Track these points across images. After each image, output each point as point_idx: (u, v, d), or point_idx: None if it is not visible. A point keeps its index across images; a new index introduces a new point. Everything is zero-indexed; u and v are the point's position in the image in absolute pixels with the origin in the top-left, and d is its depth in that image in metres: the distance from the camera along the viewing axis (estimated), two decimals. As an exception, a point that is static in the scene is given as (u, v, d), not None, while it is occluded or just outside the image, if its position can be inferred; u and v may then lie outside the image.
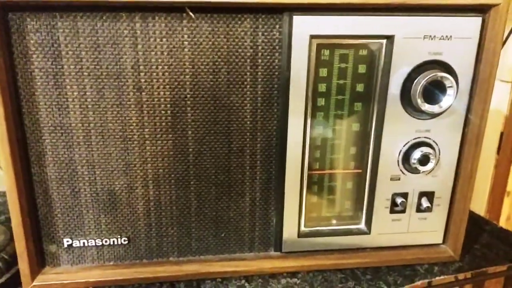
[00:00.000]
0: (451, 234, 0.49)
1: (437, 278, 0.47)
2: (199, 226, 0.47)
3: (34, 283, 0.44)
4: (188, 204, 0.46)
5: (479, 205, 1.02)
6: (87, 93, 0.41)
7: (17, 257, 0.43)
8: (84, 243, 0.45)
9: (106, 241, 0.46)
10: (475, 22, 0.42)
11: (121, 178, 0.44)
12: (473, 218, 0.57)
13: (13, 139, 0.40)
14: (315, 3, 0.39)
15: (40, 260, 0.45)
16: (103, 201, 0.44)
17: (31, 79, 0.40)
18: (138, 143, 0.43)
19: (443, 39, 0.42)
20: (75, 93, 0.41)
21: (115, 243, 0.46)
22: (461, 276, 0.48)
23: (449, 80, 0.41)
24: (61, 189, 0.43)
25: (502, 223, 1.02)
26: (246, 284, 0.46)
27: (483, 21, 0.42)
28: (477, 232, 0.56)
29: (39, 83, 0.40)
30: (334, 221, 0.49)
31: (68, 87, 0.40)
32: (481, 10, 0.42)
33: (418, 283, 0.46)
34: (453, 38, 0.42)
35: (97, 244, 0.46)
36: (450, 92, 0.42)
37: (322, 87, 0.44)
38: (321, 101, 0.44)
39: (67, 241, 0.45)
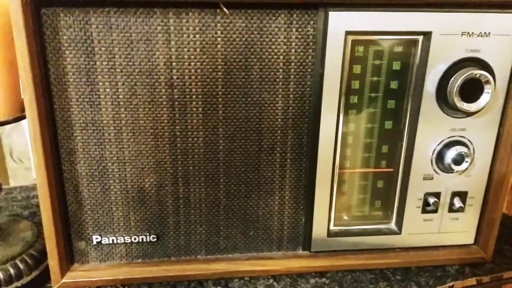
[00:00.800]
0: (483, 235, 0.48)
1: (468, 279, 0.46)
2: (228, 224, 0.46)
3: (63, 280, 0.44)
4: (217, 202, 0.45)
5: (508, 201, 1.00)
6: (119, 90, 0.40)
7: (47, 254, 0.43)
8: (113, 240, 0.45)
9: (135, 239, 0.45)
10: (515, 18, 0.41)
11: (151, 175, 0.43)
12: (505, 219, 0.56)
13: (45, 136, 0.40)
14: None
15: (69, 257, 0.45)
16: (132, 198, 0.44)
17: (64, 75, 0.39)
18: (169, 140, 0.42)
19: (481, 36, 0.41)
20: (107, 90, 0.40)
21: (144, 240, 0.46)
22: (493, 277, 0.47)
23: (486, 78, 0.40)
24: (91, 186, 0.43)
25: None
26: (275, 284, 0.46)
27: (523, 18, 0.41)
28: (508, 233, 0.55)
29: (71, 80, 0.40)
30: (364, 221, 0.48)
31: (101, 83, 0.40)
32: (521, 6, 0.40)
33: (450, 284, 0.45)
34: (491, 35, 0.41)
35: (126, 241, 0.45)
36: (488, 90, 0.41)
37: (355, 84, 0.43)
38: (354, 99, 0.43)
39: (96, 238, 0.45)
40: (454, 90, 0.41)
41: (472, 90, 0.41)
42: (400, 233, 0.47)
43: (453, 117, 0.43)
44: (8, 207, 0.61)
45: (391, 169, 0.46)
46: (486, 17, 0.40)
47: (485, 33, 0.41)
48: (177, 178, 0.44)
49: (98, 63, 0.39)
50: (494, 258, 0.49)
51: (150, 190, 0.44)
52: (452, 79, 0.41)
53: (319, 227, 0.47)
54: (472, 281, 0.47)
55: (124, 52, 0.39)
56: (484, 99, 0.41)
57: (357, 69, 0.42)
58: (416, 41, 0.41)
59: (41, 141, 0.39)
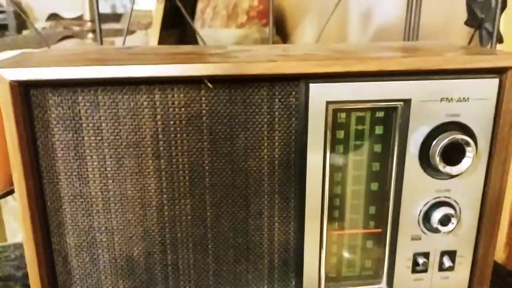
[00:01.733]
0: (475, 292, 0.48)
1: None
2: (218, 290, 0.46)
3: None
4: (206, 267, 0.45)
5: (498, 244, 0.99)
6: (107, 163, 0.41)
7: (36, 325, 0.43)
8: (102, 308, 0.45)
9: (124, 307, 0.45)
10: (492, 83, 0.42)
11: (139, 243, 0.44)
12: (495, 268, 0.56)
13: (34, 211, 0.40)
14: (330, 72, 0.40)
15: (59, 326, 0.45)
16: (121, 267, 0.44)
17: (52, 151, 0.40)
18: (157, 208, 0.43)
19: (460, 101, 0.42)
20: (95, 163, 0.41)
21: (134, 308, 0.45)
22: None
23: (468, 142, 0.41)
24: (80, 256, 0.43)
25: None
26: None
27: (500, 82, 0.42)
28: (500, 284, 0.55)
29: (60, 155, 0.40)
30: (354, 281, 0.48)
31: (88, 157, 0.41)
32: (497, 72, 0.42)
33: None
34: (471, 100, 0.42)
35: (115, 309, 0.45)
36: (469, 154, 0.41)
37: (339, 149, 0.44)
38: (338, 162, 0.44)
39: (86, 307, 0.45)
40: (436, 154, 0.41)
41: (454, 153, 0.42)
42: (391, 293, 0.47)
43: (437, 178, 0.44)
44: (1, 267, 0.61)
45: (379, 230, 0.47)
46: (464, 83, 0.41)
47: (464, 98, 0.42)
48: (165, 246, 0.44)
49: (86, 138, 0.40)
50: (488, 315, 0.49)
51: (138, 258, 0.44)
52: (434, 143, 0.42)
53: (310, 289, 0.46)
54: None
55: (111, 127, 0.40)
56: (466, 162, 0.42)
57: (340, 134, 0.43)
58: (396, 107, 0.42)
59: (30, 216, 0.40)
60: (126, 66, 0.38)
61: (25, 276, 0.59)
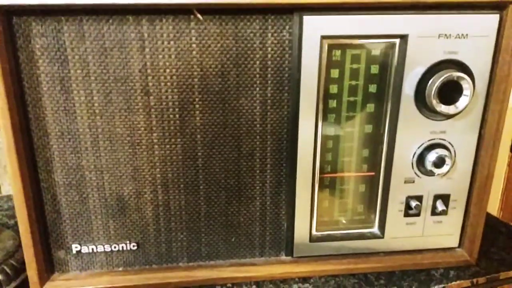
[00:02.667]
0: (467, 238, 0.48)
1: (453, 283, 0.46)
2: (209, 231, 0.46)
3: (43, 290, 0.44)
4: (198, 209, 0.45)
5: (492, 203, 1.00)
6: (94, 98, 0.40)
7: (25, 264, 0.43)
8: (93, 249, 0.45)
9: (115, 247, 0.45)
10: (492, 19, 0.40)
11: (129, 183, 0.43)
12: (489, 220, 0.56)
13: (20, 146, 0.39)
14: (326, 3, 0.38)
15: (49, 266, 0.45)
16: (111, 207, 0.44)
17: (37, 84, 0.39)
18: (147, 147, 0.42)
19: (459, 37, 0.40)
20: (82, 98, 0.40)
21: (124, 248, 0.45)
22: (477, 280, 0.47)
23: (465, 80, 0.40)
24: (69, 195, 0.43)
25: (516, 221, 1.00)
26: (257, 290, 0.46)
27: (501, 18, 0.40)
28: (493, 234, 0.55)
29: (45, 88, 0.39)
30: (346, 225, 0.48)
31: (75, 92, 0.40)
32: (498, 7, 0.40)
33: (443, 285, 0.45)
34: (469, 37, 0.40)
35: (106, 250, 0.45)
36: (466, 92, 0.40)
37: (333, 89, 0.43)
38: (332, 103, 0.43)
39: (76, 247, 0.45)
40: (432, 93, 0.40)
41: (450, 93, 0.41)
42: (383, 237, 0.47)
43: (432, 120, 0.43)
44: (-7, 216, 0.61)
45: (373, 173, 0.46)
46: (463, 19, 0.40)
47: (462, 34, 0.40)
48: (156, 186, 0.43)
49: (72, 71, 0.39)
50: (480, 261, 0.49)
51: (129, 198, 0.44)
52: (430, 81, 0.41)
53: (301, 232, 0.46)
54: (467, 283, 0.46)
55: (98, 60, 0.39)
56: (463, 101, 0.41)
57: (334, 73, 0.42)
58: (393, 44, 0.41)
59: (16, 150, 0.39)
60: (112, -8, 0.36)
61: (18, 224, 0.59)
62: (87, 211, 0.44)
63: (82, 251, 0.45)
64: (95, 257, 0.45)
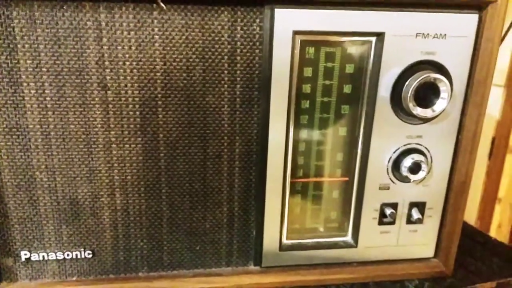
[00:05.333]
0: (443, 248, 0.46)
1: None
2: (172, 239, 0.43)
3: (-14, 301, 0.40)
4: (160, 214, 0.42)
5: (470, 211, 0.99)
6: (46, 91, 0.37)
7: (-33, 272, 0.39)
8: (43, 256, 0.41)
9: (68, 255, 0.41)
10: (471, 19, 0.39)
11: (84, 185, 0.40)
12: (466, 229, 0.54)
13: (-40, 141, 0.36)
14: (298, -4, 0.36)
15: (-6, 275, 0.41)
16: (64, 211, 0.40)
17: (-18, 74, 0.36)
18: (104, 147, 0.39)
19: (437, 37, 0.39)
20: (33, 91, 0.37)
21: (78, 256, 0.42)
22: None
23: (442, 82, 0.38)
24: (17, 197, 0.39)
25: (493, 230, 1.00)
26: (223, 302, 0.43)
27: (480, 19, 0.39)
28: (470, 244, 0.53)
29: (-9, 79, 0.36)
30: (318, 233, 0.45)
31: (25, 84, 0.36)
32: (477, 7, 0.39)
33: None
34: (448, 37, 0.39)
35: (58, 257, 0.41)
36: (444, 95, 0.39)
37: (306, 88, 0.40)
38: (305, 103, 0.41)
39: (25, 254, 0.41)
40: (409, 95, 0.38)
41: (428, 95, 0.39)
42: (356, 246, 0.45)
43: (409, 123, 0.41)
44: None
45: (346, 178, 0.44)
46: (442, 18, 0.38)
47: (441, 34, 0.39)
48: (114, 188, 0.40)
49: (21, 61, 0.36)
50: (455, 271, 0.47)
51: (83, 202, 0.40)
52: (406, 83, 0.39)
53: (271, 240, 0.44)
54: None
55: (50, 49, 0.36)
56: (440, 104, 0.39)
57: (308, 71, 0.40)
58: (369, 42, 0.39)
59: (-45, 147, 0.35)
60: (66, -24, 0.33)
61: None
62: (38, 215, 0.40)
63: (32, 258, 0.41)
64: (46, 265, 0.42)
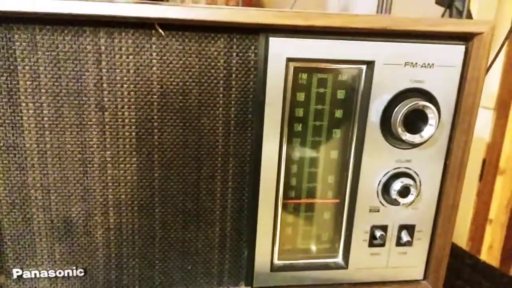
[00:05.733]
0: (433, 270, 0.47)
1: (417, 317, 0.44)
2: (164, 258, 0.43)
3: (-24, 319, 0.40)
4: (152, 233, 0.42)
5: (461, 232, 1.00)
6: (44, 112, 0.37)
7: (-42, 289, 0.39)
8: (35, 274, 0.41)
9: (60, 273, 0.42)
10: (458, 50, 0.40)
11: (78, 204, 0.40)
12: (455, 251, 0.55)
13: (-43, 160, 0.36)
14: (292, 25, 0.37)
15: (-15, 292, 0.41)
16: (57, 229, 0.40)
17: (-18, 94, 0.36)
18: (99, 166, 0.39)
19: (425, 66, 0.40)
20: (31, 111, 0.37)
21: (70, 274, 0.42)
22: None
23: (430, 109, 0.39)
24: (12, 214, 0.40)
25: (484, 251, 1.00)
26: (213, 322, 0.43)
27: (466, 50, 0.40)
28: (459, 266, 0.54)
29: (-10, 99, 0.37)
30: (310, 254, 0.46)
31: (24, 104, 0.37)
32: (464, 38, 0.40)
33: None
34: (435, 66, 0.40)
35: (50, 275, 0.42)
36: (432, 122, 0.40)
37: (299, 112, 0.41)
38: (298, 127, 0.42)
39: (17, 272, 0.41)
40: (398, 121, 0.40)
41: (416, 121, 0.40)
42: (347, 268, 0.45)
43: (398, 148, 0.42)
44: None
45: (337, 200, 0.45)
46: (430, 48, 0.40)
47: (429, 64, 0.40)
48: (108, 208, 0.41)
49: (21, 82, 0.37)
50: (445, 294, 0.47)
51: (77, 220, 0.41)
52: (396, 109, 0.40)
53: (262, 261, 0.44)
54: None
55: (50, 71, 0.37)
56: (428, 131, 0.40)
57: (300, 96, 0.41)
58: (360, 70, 0.40)
59: (-48, 165, 0.36)
60: (68, 0, 0.34)
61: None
62: (31, 233, 0.40)
63: (24, 276, 0.41)
64: (38, 283, 0.42)
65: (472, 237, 1.01)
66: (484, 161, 0.95)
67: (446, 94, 0.41)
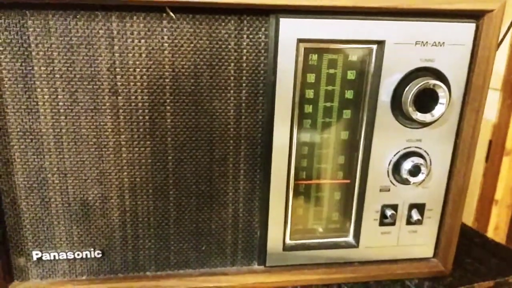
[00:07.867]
0: (442, 248, 0.47)
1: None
2: (179, 239, 0.44)
3: (-1, 299, 0.41)
4: (167, 215, 0.43)
5: (467, 213, 1.01)
6: (59, 97, 0.38)
7: (-19, 271, 0.40)
8: (54, 256, 0.43)
9: (78, 254, 0.43)
10: (468, 28, 0.40)
11: (95, 187, 0.41)
12: (464, 230, 0.55)
13: (-23, 145, 0.37)
14: (303, 5, 0.37)
15: (8, 274, 0.42)
16: (75, 212, 0.41)
17: (-2, 80, 0.37)
18: (114, 150, 0.40)
19: (435, 45, 0.40)
20: (46, 97, 0.38)
21: (88, 256, 0.43)
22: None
23: (441, 88, 0.40)
24: (30, 198, 0.41)
25: (490, 232, 1.01)
26: (228, 300, 0.44)
27: (477, 28, 0.40)
28: (468, 245, 0.55)
29: (7, 85, 0.37)
30: (321, 234, 0.47)
31: (39, 90, 0.38)
32: (475, 16, 0.40)
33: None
34: (446, 45, 0.40)
35: (68, 257, 0.43)
36: (442, 100, 0.40)
37: (309, 93, 0.42)
38: (308, 108, 0.42)
39: (37, 254, 0.42)
40: (409, 100, 0.40)
41: (427, 100, 0.40)
42: (357, 247, 0.46)
43: (409, 127, 0.42)
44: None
45: (348, 181, 0.45)
46: (440, 26, 0.40)
47: (439, 42, 0.40)
48: (123, 190, 0.42)
49: (36, 68, 0.37)
50: (454, 271, 0.48)
51: (94, 203, 0.41)
52: (406, 88, 0.40)
53: (275, 240, 0.45)
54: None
55: (64, 56, 0.37)
56: (438, 109, 0.40)
57: (311, 77, 0.41)
58: (370, 50, 0.41)
59: (-28, 150, 0.37)
60: (80, -14, 0.35)
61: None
62: (49, 216, 0.41)
63: (43, 258, 0.43)
64: (57, 264, 0.43)
65: (478, 218, 1.02)
66: (490, 142, 0.95)
67: (456, 72, 0.41)
